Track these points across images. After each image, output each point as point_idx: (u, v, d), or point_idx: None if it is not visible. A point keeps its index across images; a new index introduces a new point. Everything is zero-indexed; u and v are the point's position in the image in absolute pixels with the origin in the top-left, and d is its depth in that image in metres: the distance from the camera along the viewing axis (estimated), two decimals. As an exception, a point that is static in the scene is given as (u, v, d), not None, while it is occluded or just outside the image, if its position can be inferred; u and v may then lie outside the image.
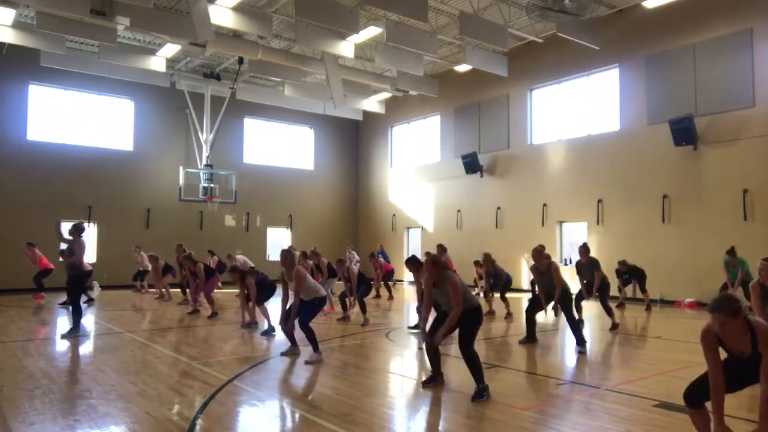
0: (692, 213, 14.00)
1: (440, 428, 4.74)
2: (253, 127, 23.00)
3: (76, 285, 9.10)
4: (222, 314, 11.67)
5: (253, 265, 14.26)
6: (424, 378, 6.01)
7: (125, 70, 18.27)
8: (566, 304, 7.88)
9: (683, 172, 14.22)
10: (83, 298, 13.80)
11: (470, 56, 16.58)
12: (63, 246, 9.28)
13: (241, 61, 18.75)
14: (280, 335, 9.12)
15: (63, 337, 8.76)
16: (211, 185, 20.01)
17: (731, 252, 11.10)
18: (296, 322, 7.13)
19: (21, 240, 16.89)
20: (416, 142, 22.86)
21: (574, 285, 9.55)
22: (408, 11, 13.38)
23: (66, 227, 9.60)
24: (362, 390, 5.69)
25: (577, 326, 7.85)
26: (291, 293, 7.16)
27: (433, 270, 5.59)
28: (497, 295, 12.13)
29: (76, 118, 19.20)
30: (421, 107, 22.27)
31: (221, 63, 19.96)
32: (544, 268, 8.00)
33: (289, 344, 7.48)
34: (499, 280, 11.79)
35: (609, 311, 9.71)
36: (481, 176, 19.42)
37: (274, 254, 21.85)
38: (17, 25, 15.03)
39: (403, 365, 7.37)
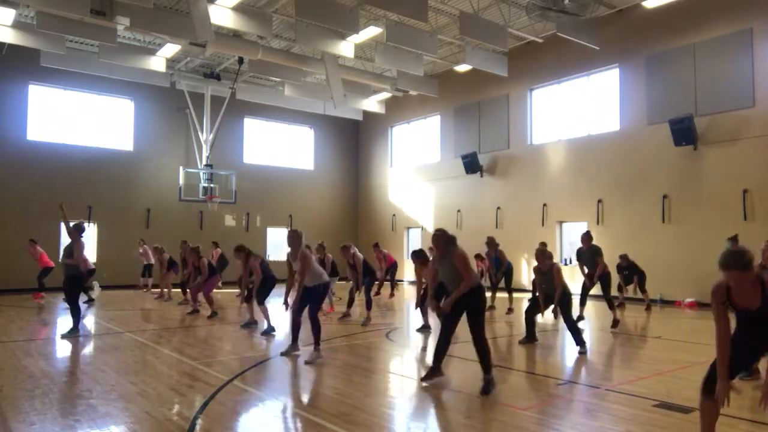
0: (692, 213, 14.00)
1: (440, 428, 4.74)
2: (253, 127, 23.00)
3: (74, 285, 9.09)
4: (222, 314, 11.68)
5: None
6: (423, 373, 6.00)
7: (125, 70, 18.28)
8: (565, 306, 7.88)
9: (683, 172, 14.22)
10: (83, 297, 13.87)
11: (470, 56, 16.59)
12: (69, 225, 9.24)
13: (241, 61, 18.75)
14: (279, 335, 9.12)
15: (63, 337, 8.76)
16: (211, 185, 20.01)
17: (734, 239, 11.14)
18: (305, 312, 7.14)
19: (21, 240, 16.90)
20: (416, 142, 22.86)
21: (575, 286, 9.55)
22: (408, 11, 13.38)
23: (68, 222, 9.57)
24: (362, 390, 5.68)
25: (576, 329, 7.83)
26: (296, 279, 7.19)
27: (439, 243, 5.66)
28: (501, 295, 12.16)
29: (76, 118, 19.20)
30: (421, 107, 22.27)
31: (221, 63, 19.97)
32: (546, 269, 8.01)
33: (290, 342, 7.46)
34: (501, 266, 11.83)
35: (611, 305, 9.70)
36: (481, 176, 19.42)
37: (274, 254, 21.86)
38: (17, 25, 15.03)
39: (403, 365, 7.37)
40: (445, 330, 5.80)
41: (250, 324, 9.97)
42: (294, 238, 7.27)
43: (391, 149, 24.08)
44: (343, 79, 18.48)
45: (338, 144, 25.23)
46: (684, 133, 13.76)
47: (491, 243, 11.83)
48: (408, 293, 17.28)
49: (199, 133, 20.89)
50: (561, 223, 17.38)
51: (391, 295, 15.38)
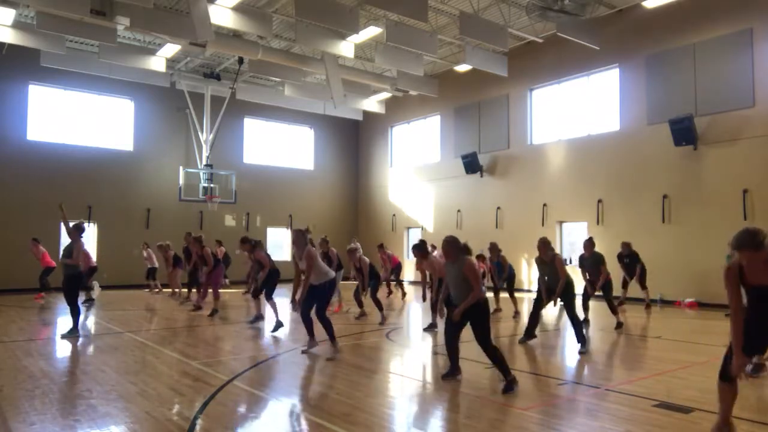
0: (692, 213, 14.00)
1: (440, 428, 4.74)
2: (253, 127, 23.00)
3: (74, 285, 9.09)
4: (225, 314, 11.66)
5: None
6: (443, 372, 6.12)
7: (125, 70, 18.28)
8: (569, 299, 7.89)
9: (683, 172, 14.22)
10: (82, 297, 13.87)
11: (470, 56, 16.59)
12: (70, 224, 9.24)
13: (241, 61, 18.75)
14: (283, 334, 9.13)
15: (63, 337, 8.76)
16: (211, 185, 20.01)
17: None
18: (312, 312, 7.21)
19: (21, 240, 16.93)
20: (416, 142, 22.86)
21: (578, 280, 9.53)
22: (408, 11, 13.38)
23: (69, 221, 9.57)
24: (362, 390, 5.68)
25: (579, 324, 7.85)
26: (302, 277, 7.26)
27: (449, 250, 5.73)
28: (503, 295, 12.18)
29: (76, 118, 19.20)
30: (421, 107, 22.27)
31: (221, 63, 19.96)
32: (548, 259, 8.03)
33: (308, 338, 7.53)
34: (503, 272, 11.84)
35: (614, 310, 9.71)
36: (481, 176, 19.42)
37: (274, 254, 21.77)
38: (17, 25, 15.03)
39: (403, 365, 7.37)
40: (450, 334, 5.95)
41: (258, 319, 10.01)
42: (299, 237, 7.32)
43: (391, 149, 24.07)
44: (343, 79, 18.48)
45: (338, 144, 25.22)
46: (684, 133, 13.76)
47: (494, 249, 11.82)
48: (409, 293, 17.24)
49: (199, 133, 20.88)
50: (561, 223, 17.38)
51: (395, 294, 15.46)
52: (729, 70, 13.47)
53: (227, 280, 14.37)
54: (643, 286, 12.89)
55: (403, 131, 23.67)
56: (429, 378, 6.45)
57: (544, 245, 8.10)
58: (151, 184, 20.24)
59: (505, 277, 11.93)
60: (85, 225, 9.51)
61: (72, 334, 8.78)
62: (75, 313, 8.96)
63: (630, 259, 12.81)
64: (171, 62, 18.99)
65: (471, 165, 19.25)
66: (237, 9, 13.89)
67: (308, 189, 23.93)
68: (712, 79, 13.75)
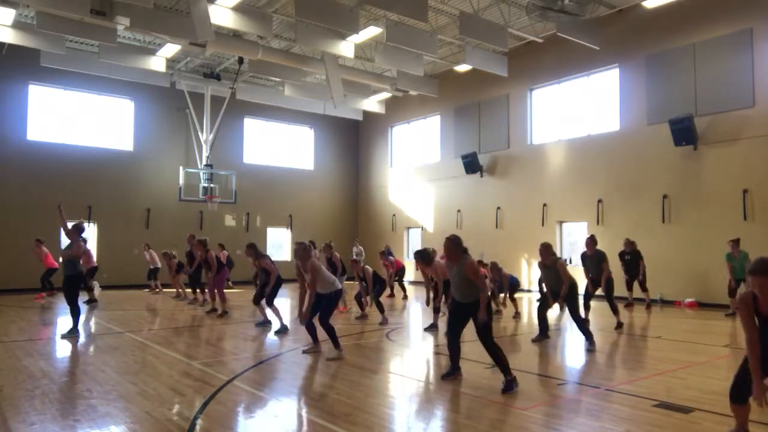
0: (692, 213, 14.00)
1: (440, 428, 4.74)
2: (253, 127, 23.00)
3: (74, 285, 9.09)
4: (219, 315, 11.66)
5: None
6: (443, 372, 6.16)
7: (125, 70, 18.27)
8: (573, 300, 7.92)
9: (683, 172, 14.22)
10: (84, 297, 13.89)
11: (470, 56, 16.58)
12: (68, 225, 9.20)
13: (241, 61, 18.75)
14: (285, 337, 9.13)
15: (63, 337, 8.76)
16: (211, 185, 20.01)
17: (735, 242, 11.22)
18: (315, 320, 7.23)
19: (21, 240, 16.95)
20: (416, 142, 22.86)
21: (580, 279, 9.54)
22: (408, 11, 13.37)
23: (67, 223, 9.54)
24: (362, 390, 5.69)
25: (582, 324, 7.90)
26: (308, 289, 7.30)
27: (450, 249, 5.77)
28: (503, 295, 12.21)
29: (76, 118, 19.20)
30: (421, 107, 22.27)
31: (221, 63, 19.96)
32: (550, 264, 8.05)
33: (312, 342, 7.55)
34: (503, 288, 11.85)
35: (615, 310, 9.73)
36: (481, 176, 19.42)
37: (274, 254, 21.83)
38: (17, 25, 15.03)
39: (403, 365, 7.37)
40: (452, 333, 6.02)
41: (264, 323, 10.02)
42: (300, 252, 7.30)
43: (391, 149, 24.07)
44: (343, 79, 18.48)
45: (338, 144, 25.22)
46: (684, 133, 13.76)
47: (494, 268, 11.84)
48: (410, 293, 17.23)
49: (199, 133, 20.88)
50: (561, 223, 17.38)
51: (404, 297, 15.56)
52: (729, 70, 13.47)
53: (230, 282, 14.37)
54: (644, 287, 12.90)
55: (403, 131, 23.67)
56: (429, 378, 6.45)
57: (546, 250, 8.12)
58: (151, 184, 20.24)
59: (506, 290, 11.95)
60: (85, 225, 9.50)
61: (72, 334, 8.79)
62: (75, 313, 8.97)
63: (631, 257, 12.82)
64: (171, 62, 18.99)
65: (471, 165, 19.25)
66: (237, 9, 13.89)
67: (308, 189, 23.93)
68: (712, 79, 13.75)
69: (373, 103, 22.97)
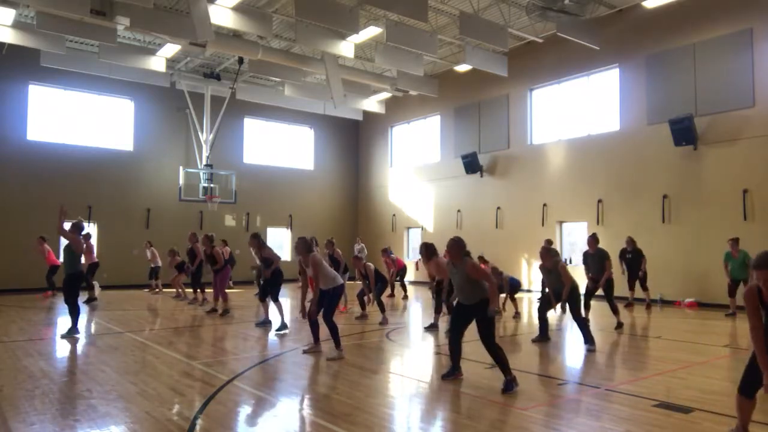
0: (692, 213, 14.00)
1: (440, 428, 4.74)
2: (253, 127, 23.00)
3: (74, 285, 9.08)
4: (220, 314, 11.66)
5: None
6: (444, 372, 6.15)
7: (125, 70, 18.27)
8: (574, 303, 7.92)
9: (683, 172, 14.22)
10: (84, 297, 13.91)
11: (470, 56, 16.58)
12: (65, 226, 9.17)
13: (241, 61, 18.75)
14: (286, 335, 9.13)
15: (63, 337, 8.76)
16: (211, 185, 20.01)
17: (735, 240, 11.25)
18: (319, 317, 7.26)
19: (21, 240, 16.97)
20: (416, 142, 22.86)
21: (581, 278, 9.54)
22: (408, 11, 13.37)
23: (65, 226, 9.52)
24: (362, 390, 5.69)
25: (584, 325, 7.90)
26: (309, 285, 7.31)
27: (452, 250, 5.83)
28: (503, 295, 12.20)
29: (76, 118, 19.19)
30: (421, 107, 22.27)
31: (221, 63, 19.96)
32: (551, 266, 8.05)
33: (312, 342, 7.56)
34: (504, 290, 11.83)
35: (615, 310, 9.73)
36: (481, 176, 19.42)
37: (274, 254, 21.83)
38: (17, 25, 15.03)
39: (403, 365, 7.37)
40: (454, 333, 6.03)
41: (265, 323, 10.02)
42: (301, 246, 7.32)
43: (391, 149, 24.07)
44: (343, 79, 18.47)
45: (338, 144, 25.22)
46: (684, 133, 13.76)
47: (494, 271, 11.86)
48: (410, 293, 17.23)
49: (199, 133, 20.88)
50: (561, 223, 17.38)
51: (404, 297, 15.57)
52: (729, 70, 13.47)
53: (231, 282, 14.38)
54: (644, 287, 12.92)
55: (403, 131, 23.67)
56: (429, 378, 6.45)
57: (547, 252, 8.13)
58: (151, 184, 20.24)
59: (507, 291, 11.95)
60: (84, 223, 9.47)
61: (71, 334, 8.79)
62: (74, 313, 8.96)
63: (633, 255, 12.86)
64: (171, 62, 18.99)
65: (471, 165, 19.25)
66: (237, 9, 13.89)
67: (308, 189, 23.93)
68: (712, 79, 13.75)
69: (373, 103, 22.97)
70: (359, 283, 11.59)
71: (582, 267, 10.83)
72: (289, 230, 23.30)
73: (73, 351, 7.91)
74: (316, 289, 7.19)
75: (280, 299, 10.25)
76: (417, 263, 21.22)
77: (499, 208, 18.90)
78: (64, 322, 10.72)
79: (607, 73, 16.24)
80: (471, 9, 15.08)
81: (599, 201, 16.00)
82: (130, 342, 8.44)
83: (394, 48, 16.00)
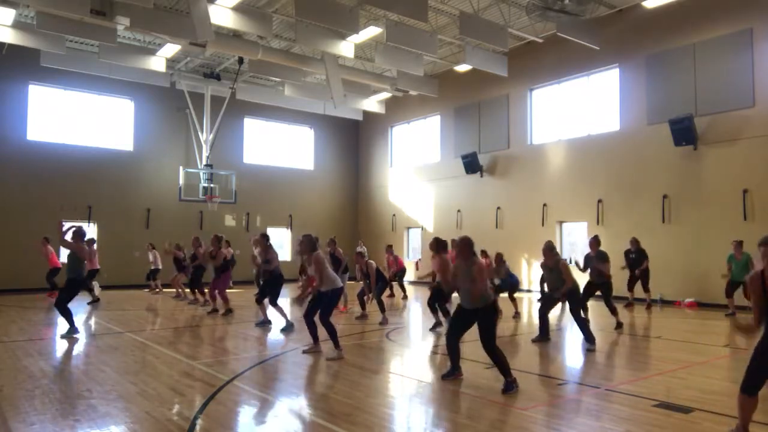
0: (692, 213, 14.00)
1: (440, 428, 4.74)
2: (253, 127, 23.00)
3: (73, 290, 9.04)
4: (222, 313, 11.66)
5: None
6: (443, 372, 6.15)
7: (125, 70, 18.27)
8: (574, 302, 7.93)
9: (683, 172, 14.22)
10: (87, 298, 13.95)
11: (470, 56, 16.58)
12: (66, 237, 9.18)
13: (241, 61, 18.75)
14: (292, 332, 9.13)
15: (62, 337, 8.76)
16: (211, 185, 20.01)
17: (739, 243, 11.28)
18: (316, 318, 7.25)
19: (21, 240, 16.97)
20: (416, 142, 22.86)
21: (581, 281, 9.54)
22: (408, 11, 13.37)
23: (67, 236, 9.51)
24: (362, 390, 5.69)
25: (584, 325, 7.90)
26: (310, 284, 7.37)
27: (464, 249, 5.84)
28: (503, 295, 12.20)
29: (76, 118, 19.19)
30: (421, 107, 22.26)
31: (221, 63, 19.96)
32: (552, 264, 8.06)
33: (312, 342, 7.57)
34: (504, 285, 11.83)
35: (614, 311, 9.75)
36: (481, 176, 19.42)
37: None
38: (17, 25, 15.03)
39: (403, 365, 7.37)
40: (452, 335, 6.03)
41: (265, 323, 10.02)
42: (305, 244, 7.34)
43: (391, 149, 24.07)
44: (343, 79, 18.47)
45: (338, 144, 25.22)
46: (684, 133, 13.76)
47: (499, 259, 11.92)
48: (410, 293, 17.23)
49: (199, 133, 20.88)
50: (561, 223, 17.38)
51: (404, 297, 15.58)
52: (729, 70, 13.47)
53: (231, 282, 14.39)
54: (646, 288, 12.92)
55: (403, 131, 23.67)
56: (429, 378, 6.44)
57: (550, 250, 8.15)
58: (151, 184, 20.24)
59: (507, 287, 11.95)
60: (84, 229, 9.36)
61: (70, 334, 8.79)
62: (66, 315, 8.92)
63: (636, 255, 12.90)
64: (171, 62, 18.99)
65: (471, 165, 19.25)
66: (237, 9, 13.89)
67: (308, 189, 23.92)
68: (712, 79, 13.75)
69: (373, 103, 22.96)
70: (359, 283, 11.58)
71: (583, 266, 10.83)
72: (289, 230, 23.30)
73: (73, 351, 7.91)
74: (315, 287, 7.19)
75: (279, 301, 10.21)
76: (417, 263, 21.24)
77: (499, 208, 18.89)
78: (64, 322, 10.72)
79: (607, 73, 16.24)
80: (471, 9, 15.07)
81: (599, 201, 16.00)
82: (130, 342, 8.44)
83: (394, 48, 16.00)
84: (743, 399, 3.91)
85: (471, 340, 6.11)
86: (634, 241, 12.99)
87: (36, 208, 17.61)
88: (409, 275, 21.07)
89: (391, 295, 15.99)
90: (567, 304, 8.05)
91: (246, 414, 5.04)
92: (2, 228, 17.28)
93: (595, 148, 16.30)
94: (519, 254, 17.76)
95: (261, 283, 10.82)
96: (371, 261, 11.34)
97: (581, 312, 8.27)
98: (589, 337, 7.85)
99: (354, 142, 25.67)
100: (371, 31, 15.98)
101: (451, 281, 6.18)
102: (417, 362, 7.52)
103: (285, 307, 10.35)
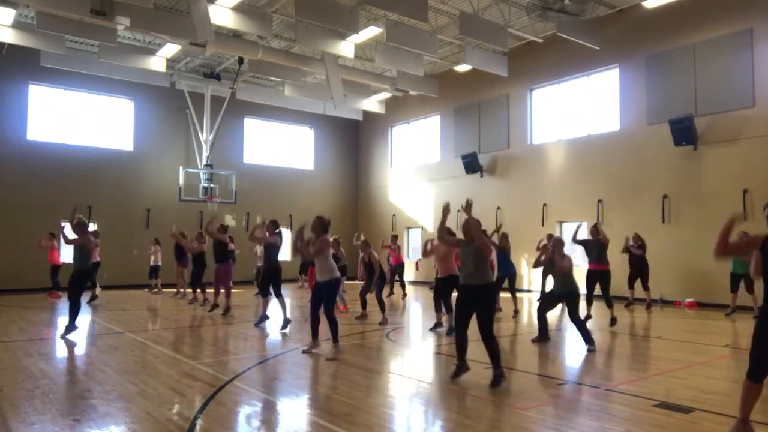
0: (692, 213, 13.99)
1: (440, 428, 4.74)
2: (253, 127, 23.00)
3: (81, 282, 9.09)
4: (223, 313, 11.66)
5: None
6: (451, 373, 6.06)
7: (125, 70, 18.27)
8: (573, 305, 7.94)
9: (683, 172, 14.22)
10: (87, 296, 13.94)
11: (470, 56, 16.58)
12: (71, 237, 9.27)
13: (241, 61, 18.75)
14: (284, 334, 9.13)
15: (62, 336, 8.76)
16: (211, 185, 20.01)
17: (744, 235, 11.27)
18: (321, 312, 7.32)
19: (21, 240, 16.98)
20: (416, 142, 22.86)
21: (581, 280, 9.56)
22: (408, 11, 13.38)
23: (67, 230, 9.56)
24: (362, 390, 5.69)
25: (583, 327, 7.91)
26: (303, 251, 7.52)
27: (472, 230, 5.94)
28: (504, 295, 12.22)
29: (76, 118, 19.19)
30: (421, 107, 22.26)
31: (221, 63, 19.96)
32: (563, 261, 8.16)
33: (311, 341, 7.59)
34: (507, 265, 11.84)
35: (610, 303, 9.83)
36: (481, 176, 19.42)
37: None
38: (17, 25, 15.03)
39: (403, 365, 7.37)
40: (459, 325, 6.04)
41: (264, 319, 10.03)
42: (318, 226, 7.46)
43: (391, 149, 24.07)
44: (343, 79, 18.47)
45: (338, 144, 25.22)
46: (684, 133, 13.76)
47: (504, 237, 12.06)
48: (410, 293, 17.22)
49: (199, 133, 20.88)
50: (561, 223, 17.38)
51: (393, 294, 15.53)
52: (729, 70, 13.47)
53: (231, 282, 14.42)
54: (645, 286, 12.93)
55: (403, 131, 23.66)
56: (429, 378, 6.45)
57: (561, 245, 8.27)
58: (151, 184, 20.24)
59: (509, 276, 11.98)
60: (85, 220, 9.49)
61: (69, 332, 8.79)
62: (75, 311, 8.95)
63: (639, 249, 12.95)
64: (171, 62, 18.99)
65: (471, 165, 19.25)
66: (237, 9, 13.89)
67: (308, 189, 23.92)
68: (712, 79, 13.75)
69: (373, 103, 22.96)
70: (360, 283, 11.58)
71: (583, 268, 10.88)
72: (289, 230, 23.28)
73: (73, 351, 7.91)
74: (308, 251, 7.31)
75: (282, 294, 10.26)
76: (417, 263, 21.24)
77: (499, 208, 18.89)
78: (64, 322, 10.71)
79: (607, 73, 16.24)
80: (471, 9, 15.07)
81: (599, 201, 16.00)
82: (130, 342, 8.44)
83: (394, 48, 15.99)
84: (749, 386, 3.92)
85: (472, 341, 6.10)
86: (637, 238, 13.04)
87: (36, 208, 17.61)
88: (410, 275, 21.09)
89: (391, 293, 16.00)
90: (566, 306, 8.07)
91: (246, 414, 5.03)
92: (2, 228, 17.27)
93: (595, 148, 16.30)
94: (519, 254, 17.73)
95: (260, 281, 10.86)
96: (374, 253, 11.33)
97: (580, 314, 8.25)
98: (588, 339, 7.84)
99: (354, 142, 25.67)
100: (371, 31, 15.98)
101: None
102: (417, 362, 7.52)
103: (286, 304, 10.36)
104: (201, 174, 20.07)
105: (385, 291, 15.50)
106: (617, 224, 15.47)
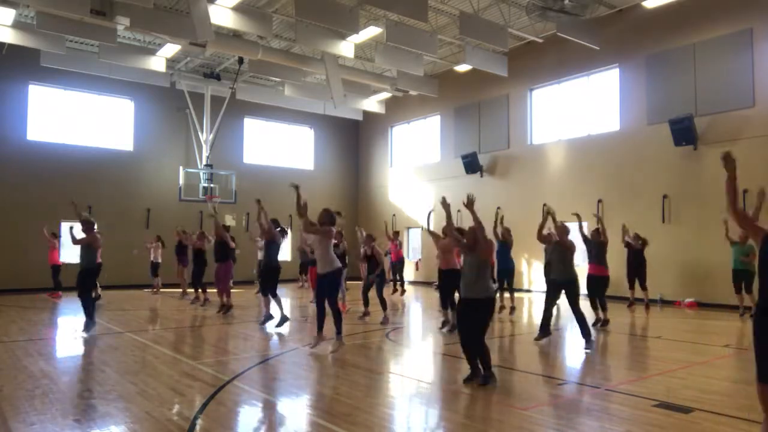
0: (692, 213, 13.99)
1: (440, 428, 4.74)
2: (253, 127, 22.99)
3: (89, 280, 9.13)
4: (222, 311, 11.67)
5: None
6: (465, 377, 5.93)
7: (125, 70, 18.26)
8: (573, 296, 7.96)
9: (683, 172, 14.22)
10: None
11: (470, 56, 16.58)
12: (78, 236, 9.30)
13: (241, 61, 18.74)
14: (284, 332, 9.13)
15: (83, 332, 8.79)
16: (211, 185, 20.01)
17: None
18: (326, 303, 7.44)
19: (21, 240, 16.98)
20: (416, 142, 22.85)
21: (582, 276, 9.57)
22: (408, 11, 13.37)
23: (76, 230, 9.57)
24: (362, 390, 5.69)
25: (583, 320, 7.91)
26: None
27: (475, 237, 6.06)
28: (505, 295, 12.25)
29: (76, 118, 19.19)
30: (421, 107, 22.26)
31: (221, 63, 19.96)
32: (567, 244, 8.26)
33: (316, 333, 7.67)
34: (507, 260, 11.84)
35: (603, 306, 9.87)
36: (481, 176, 19.42)
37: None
38: (17, 25, 15.02)
39: (403, 365, 7.37)
40: (463, 335, 5.98)
41: (268, 319, 10.04)
42: (325, 217, 7.70)
43: (391, 149, 24.07)
44: (343, 79, 18.47)
45: (338, 144, 25.21)
46: (684, 133, 13.76)
47: (507, 232, 12.13)
48: (410, 293, 17.23)
49: (199, 133, 20.88)
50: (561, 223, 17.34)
51: (402, 293, 15.61)
52: (729, 70, 13.47)
53: (231, 282, 14.40)
54: (643, 286, 12.94)
55: (403, 131, 23.66)
56: (429, 378, 6.45)
57: (565, 232, 8.37)
58: (151, 184, 20.23)
59: (508, 272, 12.02)
60: (92, 218, 9.55)
61: (89, 329, 8.83)
62: (88, 307, 8.99)
63: (639, 250, 12.96)
64: (171, 62, 18.98)
65: (471, 165, 19.25)
66: (237, 9, 13.88)
67: (308, 189, 23.52)
68: (712, 79, 13.74)
69: (373, 103, 22.96)
70: (360, 283, 11.58)
71: (583, 267, 10.88)
72: (289, 230, 23.27)
73: (73, 351, 7.91)
74: (310, 230, 7.55)
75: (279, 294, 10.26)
76: (417, 263, 21.23)
77: (499, 208, 18.80)
78: (64, 322, 10.72)
79: (607, 73, 16.23)
80: (471, 9, 15.07)
81: (599, 201, 15.99)
82: (130, 342, 8.44)
83: (394, 48, 15.99)
84: (761, 389, 3.73)
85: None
86: (637, 237, 13.04)
87: (36, 208, 17.59)
88: (410, 275, 21.08)
89: (395, 291, 16.07)
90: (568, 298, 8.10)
91: (246, 414, 5.04)
92: (2, 228, 17.27)
93: (595, 148, 16.30)
94: (519, 254, 17.71)
95: (260, 278, 10.91)
96: (377, 248, 11.32)
97: (580, 306, 8.25)
98: (586, 333, 7.83)
99: (354, 142, 25.66)
100: (371, 31, 15.98)
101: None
102: (417, 362, 7.52)
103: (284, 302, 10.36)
104: (201, 174, 20.08)
105: (389, 289, 15.58)
106: (617, 224, 15.43)
